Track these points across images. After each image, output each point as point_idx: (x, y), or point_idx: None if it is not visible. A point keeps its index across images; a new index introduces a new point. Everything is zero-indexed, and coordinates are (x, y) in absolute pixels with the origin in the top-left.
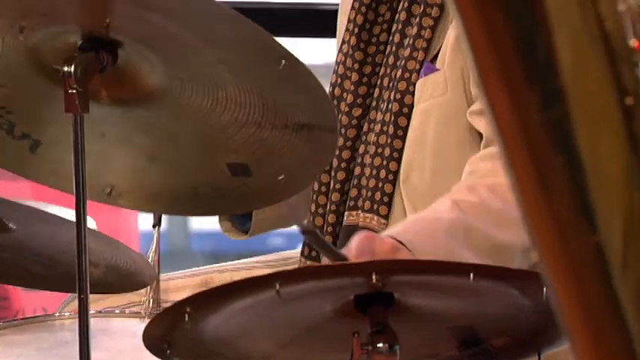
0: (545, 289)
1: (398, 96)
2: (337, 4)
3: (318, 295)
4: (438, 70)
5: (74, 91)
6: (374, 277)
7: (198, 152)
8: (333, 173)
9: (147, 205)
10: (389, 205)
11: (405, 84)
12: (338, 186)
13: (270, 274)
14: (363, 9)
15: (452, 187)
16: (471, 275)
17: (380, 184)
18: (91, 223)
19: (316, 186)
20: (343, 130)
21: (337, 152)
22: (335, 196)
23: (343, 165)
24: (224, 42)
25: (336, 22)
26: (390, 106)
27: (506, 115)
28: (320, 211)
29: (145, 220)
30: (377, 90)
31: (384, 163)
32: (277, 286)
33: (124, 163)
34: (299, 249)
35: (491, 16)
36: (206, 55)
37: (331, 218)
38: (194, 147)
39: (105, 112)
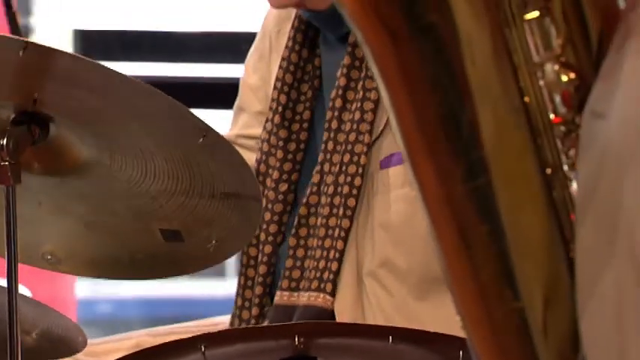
0: (462, 352)
1: (348, 179)
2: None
3: (244, 358)
4: None
5: (6, 164)
6: (297, 339)
7: (132, 219)
8: (260, 247)
9: (85, 271)
10: (334, 282)
11: (354, 167)
12: (265, 259)
13: (195, 337)
14: (286, 88)
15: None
16: (390, 338)
17: (329, 264)
18: (25, 291)
19: (244, 259)
20: (270, 205)
21: (265, 226)
22: (262, 269)
23: (270, 239)
24: (146, 116)
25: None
26: (339, 189)
27: (432, 187)
28: (249, 283)
29: (81, 287)
30: (316, 175)
31: (334, 243)
32: (202, 348)
33: (61, 230)
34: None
35: (417, 91)
36: (132, 129)
37: (258, 290)
38: (128, 214)
39: (40, 182)
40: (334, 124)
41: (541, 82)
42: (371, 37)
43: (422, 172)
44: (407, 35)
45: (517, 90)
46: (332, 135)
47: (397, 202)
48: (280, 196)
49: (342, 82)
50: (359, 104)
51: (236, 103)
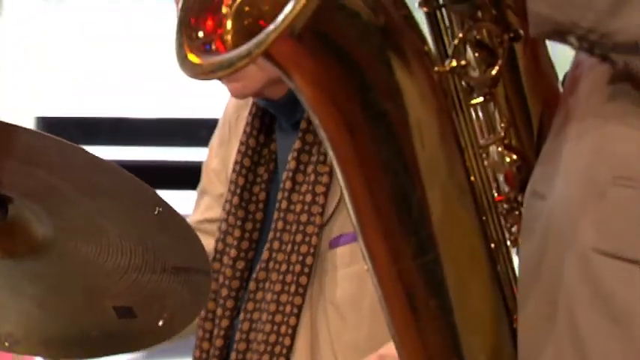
0: None
1: (300, 258)
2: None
3: None
4: None
5: None
6: None
7: (86, 297)
8: (217, 321)
9: (42, 351)
10: (287, 357)
11: (306, 247)
12: (222, 333)
13: None
14: (244, 171)
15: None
16: None
17: (280, 339)
18: None
19: (200, 333)
20: (227, 282)
21: (222, 302)
22: (219, 342)
23: (227, 314)
24: (102, 192)
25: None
26: (290, 267)
27: (385, 264)
28: (204, 356)
29: None
30: (266, 252)
31: (285, 319)
32: None
33: (17, 311)
34: None
35: (371, 174)
36: (89, 206)
37: None
38: (82, 292)
39: None
40: (284, 205)
41: (486, 163)
42: (328, 124)
43: (375, 249)
44: (362, 123)
45: (464, 170)
46: (282, 215)
47: (344, 280)
48: (237, 273)
49: (292, 165)
50: (310, 187)
51: (199, 186)
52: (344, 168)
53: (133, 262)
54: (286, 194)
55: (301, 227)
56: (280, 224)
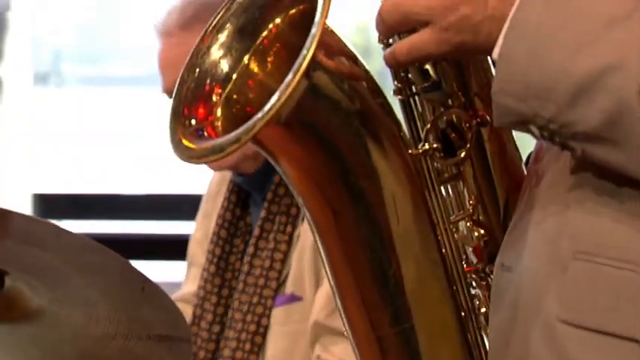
0: None
1: (255, 318)
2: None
3: None
4: (300, 298)
5: None
6: None
7: None
8: None
9: None
10: None
11: (261, 308)
12: None
13: None
14: (221, 242)
15: None
16: None
17: None
18: None
19: None
20: (204, 344)
21: None
22: None
23: None
24: (91, 269)
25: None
26: (245, 326)
27: (363, 331)
28: None
29: None
30: (230, 312)
31: None
32: None
33: None
34: None
35: (351, 250)
36: (78, 280)
37: None
38: (74, 356)
39: None
40: (246, 268)
41: (456, 237)
42: (312, 204)
43: (354, 318)
44: (342, 202)
45: (436, 244)
46: (243, 277)
47: (278, 337)
48: (213, 336)
49: (257, 232)
50: (270, 253)
51: (187, 258)
52: (325, 243)
53: (120, 330)
54: (249, 259)
55: (258, 290)
56: (241, 285)
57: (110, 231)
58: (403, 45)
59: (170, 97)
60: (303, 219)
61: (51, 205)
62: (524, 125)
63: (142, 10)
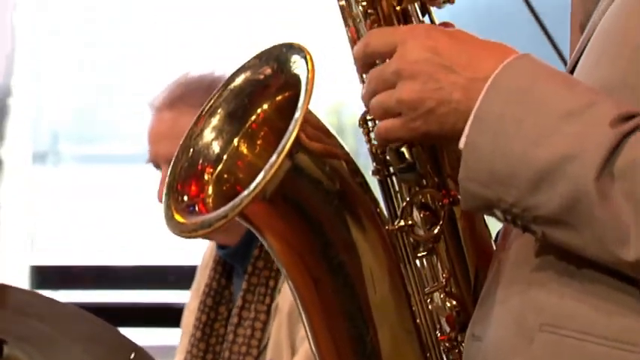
0: None
1: None
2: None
3: None
4: None
5: None
6: None
7: None
8: None
9: None
10: None
11: None
12: None
13: None
14: (207, 310)
15: None
16: None
17: None
18: None
19: None
20: None
21: None
22: None
23: None
24: (85, 338)
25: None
26: None
27: None
28: None
29: None
30: None
31: None
32: None
33: None
34: None
35: (331, 319)
36: (72, 348)
37: None
38: None
39: None
40: (230, 337)
41: (430, 307)
42: (295, 275)
43: None
44: (323, 273)
45: (410, 314)
46: (228, 345)
47: None
48: None
49: (240, 302)
50: (251, 322)
51: (181, 327)
52: (307, 311)
53: None
54: (233, 328)
55: (241, 357)
56: (227, 354)
57: (100, 300)
58: (380, 128)
59: (155, 166)
60: (280, 290)
61: (46, 276)
62: (488, 209)
63: (135, 93)
